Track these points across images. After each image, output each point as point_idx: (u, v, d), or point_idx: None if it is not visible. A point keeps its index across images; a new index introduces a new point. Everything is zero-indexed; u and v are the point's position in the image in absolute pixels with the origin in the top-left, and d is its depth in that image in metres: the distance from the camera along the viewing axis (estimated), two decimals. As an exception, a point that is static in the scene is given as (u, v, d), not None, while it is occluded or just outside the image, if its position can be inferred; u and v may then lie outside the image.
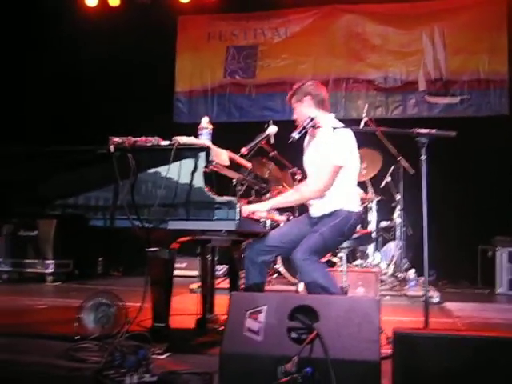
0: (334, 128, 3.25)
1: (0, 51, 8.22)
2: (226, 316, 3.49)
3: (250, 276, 3.41)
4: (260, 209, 3.37)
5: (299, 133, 3.39)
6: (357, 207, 3.53)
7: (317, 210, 3.51)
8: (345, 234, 3.44)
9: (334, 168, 3.37)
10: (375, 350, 2.32)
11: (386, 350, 2.55)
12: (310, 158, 3.63)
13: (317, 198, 3.44)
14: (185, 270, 7.32)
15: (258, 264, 3.39)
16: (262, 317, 2.48)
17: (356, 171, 3.58)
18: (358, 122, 6.43)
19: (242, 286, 3.69)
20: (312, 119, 3.39)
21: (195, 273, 7.27)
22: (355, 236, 3.71)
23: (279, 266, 6.28)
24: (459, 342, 2.22)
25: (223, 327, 3.16)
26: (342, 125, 3.51)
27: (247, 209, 3.23)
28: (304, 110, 3.51)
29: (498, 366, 2.12)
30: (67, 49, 8.39)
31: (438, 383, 2.16)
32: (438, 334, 2.28)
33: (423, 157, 2.87)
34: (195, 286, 5.98)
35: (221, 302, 4.16)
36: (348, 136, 3.45)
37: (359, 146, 3.54)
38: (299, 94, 3.54)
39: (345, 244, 3.54)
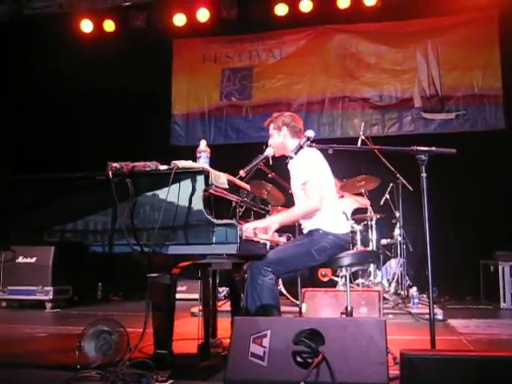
0: (297, 151, 3.26)
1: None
2: (228, 340, 3.46)
3: (252, 298, 3.37)
4: (260, 225, 3.41)
5: (296, 152, 3.41)
6: (337, 228, 3.56)
7: (304, 228, 3.69)
8: (313, 255, 3.47)
9: (314, 184, 3.53)
10: (383, 372, 2.29)
11: (393, 371, 2.51)
12: (292, 188, 3.79)
13: (312, 213, 3.55)
14: (185, 293, 7.27)
15: (259, 285, 3.35)
16: (266, 341, 2.44)
17: (332, 191, 3.73)
18: (355, 140, 6.46)
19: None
20: (308, 138, 3.40)
21: (196, 296, 7.22)
22: (357, 252, 3.71)
23: (281, 287, 6.23)
24: (466, 363, 2.18)
25: (226, 352, 3.12)
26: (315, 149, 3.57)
27: (248, 226, 3.25)
28: (280, 138, 3.77)
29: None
30: (65, 75, 8.42)
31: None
32: (444, 355, 2.24)
33: (423, 174, 2.85)
34: (196, 309, 5.92)
35: (223, 325, 4.11)
36: (314, 154, 3.62)
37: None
38: (278, 122, 3.79)
39: (346, 261, 3.51)
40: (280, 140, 3.77)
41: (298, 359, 2.38)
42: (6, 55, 8.52)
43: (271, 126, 3.82)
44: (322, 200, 3.54)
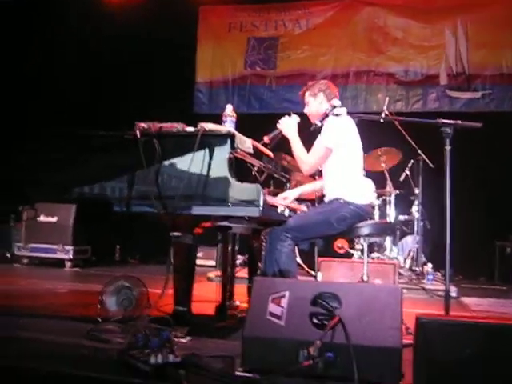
0: (336, 114, 3.30)
1: (27, 44, 8.35)
2: (245, 304, 3.54)
3: (270, 263, 3.43)
4: (289, 196, 3.67)
5: (321, 120, 3.45)
6: (358, 199, 3.59)
7: (326, 196, 3.76)
8: (332, 224, 3.51)
9: (323, 149, 3.60)
10: (397, 337, 2.34)
11: (406, 341, 2.56)
12: None
13: (305, 172, 3.74)
14: (201, 259, 7.35)
15: (278, 250, 3.41)
16: (284, 302, 2.50)
17: (359, 162, 3.74)
18: (378, 114, 6.41)
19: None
20: (334, 107, 3.41)
21: (212, 262, 7.35)
22: (376, 223, 3.78)
23: (297, 257, 6.28)
24: (480, 329, 2.21)
25: (243, 314, 3.19)
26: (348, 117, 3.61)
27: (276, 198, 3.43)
28: (316, 105, 3.78)
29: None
30: (90, 40, 8.45)
31: (461, 370, 2.16)
32: (459, 321, 2.28)
33: (448, 147, 2.86)
34: (213, 274, 6.03)
35: (240, 291, 4.20)
36: (346, 123, 3.63)
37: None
38: (314, 89, 3.81)
39: (365, 231, 3.54)
40: (317, 106, 3.78)
41: (315, 320, 2.44)
42: (30, 18, 8.56)
43: (307, 94, 3.83)
44: (314, 168, 3.74)
